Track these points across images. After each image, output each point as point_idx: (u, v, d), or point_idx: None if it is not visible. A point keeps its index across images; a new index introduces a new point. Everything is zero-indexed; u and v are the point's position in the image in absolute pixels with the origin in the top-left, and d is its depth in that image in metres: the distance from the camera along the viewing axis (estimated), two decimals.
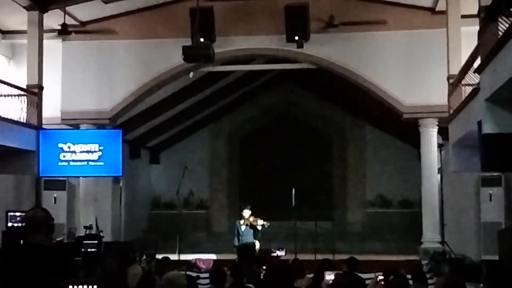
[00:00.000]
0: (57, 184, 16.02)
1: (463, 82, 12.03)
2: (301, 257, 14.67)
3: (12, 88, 14.06)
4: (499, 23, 8.27)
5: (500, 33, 8.16)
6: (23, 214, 11.54)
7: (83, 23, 16.06)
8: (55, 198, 15.99)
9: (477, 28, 10.06)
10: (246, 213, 14.37)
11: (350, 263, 9.33)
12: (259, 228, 14.27)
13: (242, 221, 14.30)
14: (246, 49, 15.83)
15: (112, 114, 16.00)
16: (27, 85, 14.55)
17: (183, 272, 7.65)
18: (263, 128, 23.10)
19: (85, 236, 13.08)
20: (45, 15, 14.82)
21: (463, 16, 13.52)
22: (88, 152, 14.52)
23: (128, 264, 9.12)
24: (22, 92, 14.33)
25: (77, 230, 14.97)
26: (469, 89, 11.22)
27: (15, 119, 13.78)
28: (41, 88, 14.74)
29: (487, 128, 8.99)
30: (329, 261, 9.68)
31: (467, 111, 11.01)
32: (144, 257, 14.24)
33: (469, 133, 10.52)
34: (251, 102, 23.09)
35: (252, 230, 14.35)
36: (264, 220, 14.37)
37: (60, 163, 14.47)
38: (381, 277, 7.91)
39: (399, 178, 21.41)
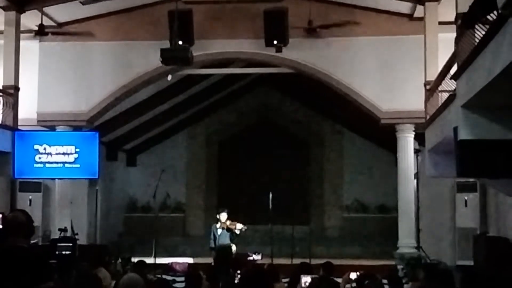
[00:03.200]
0: (33, 186, 15.89)
1: (439, 88, 12.11)
2: (278, 261, 14.69)
3: None
4: (476, 31, 8.33)
5: (477, 41, 8.23)
6: None
7: (61, 24, 15.95)
8: (30, 200, 15.85)
9: (454, 35, 10.14)
10: (223, 216, 14.32)
11: (326, 268, 9.33)
12: (237, 232, 14.22)
13: (218, 225, 14.25)
14: (225, 53, 15.83)
15: (89, 116, 15.90)
16: (3, 86, 14.42)
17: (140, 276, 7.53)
18: (241, 131, 23.07)
19: (59, 238, 12.96)
20: (22, 16, 14.71)
21: (440, 23, 13.63)
22: (64, 154, 14.42)
23: (95, 267, 9.00)
24: None
25: (52, 232, 14.84)
26: (445, 96, 11.30)
27: None
28: (17, 89, 14.61)
29: (463, 134, 9.05)
30: (307, 265, 9.67)
31: (443, 117, 11.08)
32: (120, 260, 14.16)
33: (445, 139, 10.60)
34: (230, 105, 23.06)
35: (228, 234, 14.30)
36: (241, 224, 14.32)
37: (35, 165, 14.36)
38: (353, 274, 7.95)
39: (376, 183, 21.49)
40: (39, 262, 4.62)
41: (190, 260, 16.44)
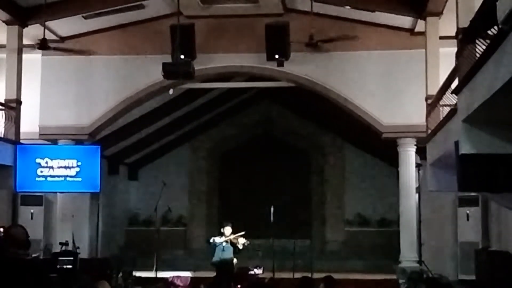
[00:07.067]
0: (34, 200, 15.85)
1: (441, 102, 12.13)
2: (279, 275, 14.68)
3: None
4: (476, 45, 8.36)
5: (477, 55, 8.25)
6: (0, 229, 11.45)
7: (63, 38, 16.01)
8: (31, 214, 15.81)
9: (455, 49, 10.18)
10: (227, 230, 14.29)
11: (327, 282, 9.32)
12: (240, 247, 14.19)
13: (221, 238, 14.21)
14: (226, 67, 15.87)
15: (91, 130, 15.91)
16: (5, 99, 14.46)
17: None
18: (242, 145, 23.11)
19: (60, 252, 12.94)
20: (25, 30, 14.78)
21: (441, 38, 13.67)
22: (65, 167, 14.44)
23: (97, 280, 8.99)
24: (0, 107, 14.23)
25: (54, 246, 14.82)
26: (446, 110, 11.31)
27: None
28: (19, 102, 14.66)
29: (464, 149, 9.05)
30: (309, 279, 9.66)
31: (444, 131, 11.09)
32: (121, 274, 14.12)
33: (447, 153, 10.60)
34: (231, 119, 23.12)
35: (232, 248, 14.27)
36: (244, 238, 14.29)
37: (37, 179, 14.38)
38: None
39: (378, 197, 21.49)
40: (36, 273, 4.66)
41: (191, 274, 16.40)
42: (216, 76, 16.53)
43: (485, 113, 8.30)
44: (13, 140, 14.32)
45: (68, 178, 14.45)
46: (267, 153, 22.46)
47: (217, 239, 14.22)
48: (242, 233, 14.22)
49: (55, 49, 14.99)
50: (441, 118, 11.68)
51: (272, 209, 15.79)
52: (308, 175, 23.08)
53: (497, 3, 6.71)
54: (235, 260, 14.22)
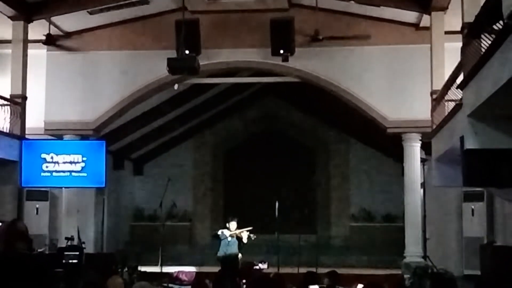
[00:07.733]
0: (40, 195, 15.92)
1: (446, 97, 12.13)
2: (284, 270, 14.69)
3: None
4: (482, 40, 8.36)
5: (483, 50, 8.25)
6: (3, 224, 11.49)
7: (68, 34, 16.04)
8: (37, 209, 15.88)
9: (460, 44, 10.17)
10: (233, 225, 14.31)
11: (331, 277, 9.32)
12: (245, 241, 14.21)
13: (227, 232, 14.23)
14: (231, 62, 15.86)
15: (96, 125, 15.94)
16: (10, 95, 14.49)
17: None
18: (247, 140, 23.12)
19: (66, 247, 12.97)
20: (30, 25, 14.80)
21: (446, 32, 13.64)
22: (71, 163, 14.46)
23: (107, 276, 9.01)
24: (5, 102, 14.27)
25: (59, 241, 14.87)
26: (452, 105, 11.31)
27: None
28: (24, 98, 14.69)
29: (469, 144, 9.06)
30: (313, 274, 9.67)
31: (449, 126, 11.09)
32: (126, 269, 14.16)
33: (452, 148, 10.60)
34: (236, 114, 23.12)
35: (237, 242, 14.30)
36: (250, 233, 14.30)
37: (42, 174, 14.40)
38: (360, 286, 7.96)
39: (383, 192, 21.46)
40: (40, 267, 4.70)
41: (196, 269, 16.43)
42: (220, 71, 16.52)
43: (490, 108, 8.31)
44: (19, 135, 14.36)
45: (73, 173, 14.48)
46: (272, 148, 22.46)
47: (225, 232, 14.25)
48: (249, 228, 14.24)
49: (60, 43, 15.02)
50: (446, 113, 11.68)
51: (277, 204, 15.79)
52: (312, 170, 23.07)
53: None
54: (240, 255, 14.25)
